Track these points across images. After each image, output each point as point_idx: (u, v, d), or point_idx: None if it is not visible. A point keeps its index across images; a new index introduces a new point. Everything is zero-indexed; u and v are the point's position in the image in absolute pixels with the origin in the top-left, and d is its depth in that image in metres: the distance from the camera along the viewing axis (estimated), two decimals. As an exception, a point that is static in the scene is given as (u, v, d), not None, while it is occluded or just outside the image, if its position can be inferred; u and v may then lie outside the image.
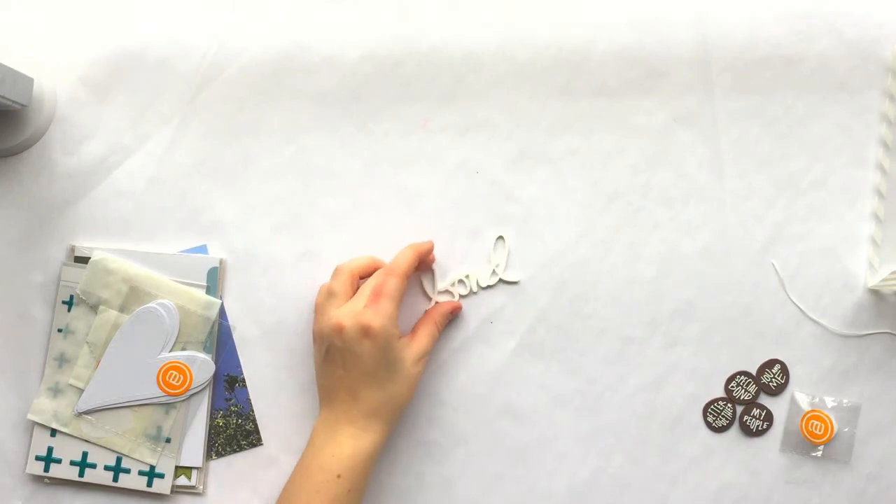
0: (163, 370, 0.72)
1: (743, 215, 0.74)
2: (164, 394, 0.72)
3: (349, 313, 0.66)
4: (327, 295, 0.69)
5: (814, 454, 0.73)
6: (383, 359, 0.66)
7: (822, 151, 0.73)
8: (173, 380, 0.72)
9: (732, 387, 0.73)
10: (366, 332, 0.65)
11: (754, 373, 0.73)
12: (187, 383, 0.72)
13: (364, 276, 0.71)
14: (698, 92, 0.74)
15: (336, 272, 0.70)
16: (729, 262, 0.74)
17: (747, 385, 0.73)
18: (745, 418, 0.73)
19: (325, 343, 0.68)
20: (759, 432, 0.73)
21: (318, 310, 0.70)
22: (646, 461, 0.73)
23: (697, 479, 0.73)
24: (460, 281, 0.74)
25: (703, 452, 0.73)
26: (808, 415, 0.72)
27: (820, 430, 0.72)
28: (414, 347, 0.69)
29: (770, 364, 0.73)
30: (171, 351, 0.73)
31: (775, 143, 0.74)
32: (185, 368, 0.72)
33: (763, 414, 0.73)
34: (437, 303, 0.73)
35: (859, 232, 0.73)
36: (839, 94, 0.73)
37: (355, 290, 0.70)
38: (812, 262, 0.73)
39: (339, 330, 0.66)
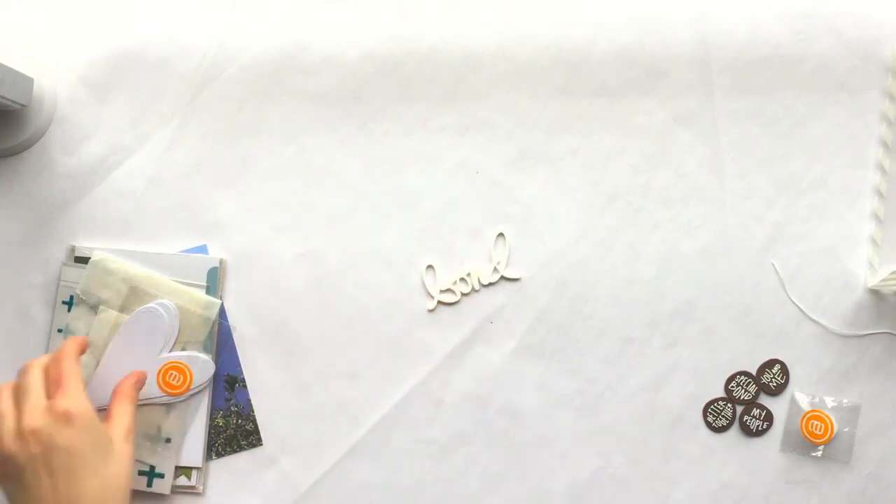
0: (163, 370, 0.72)
1: (743, 215, 0.74)
2: (163, 394, 0.72)
3: (33, 413, 0.60)
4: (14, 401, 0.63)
5: (814, 454, 0.73)
6: (93, 442, 0.61)
7: (822, 151, 0.73)
8: (173, 380, 0.72)
9: (732, 387, 0.73)
10: (67, 419, 0.60)
11: (754, 373, 0.73)
12: (187, 383, 0.72)
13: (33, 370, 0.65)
14: (698, 92, 0.74)
15: (24, 369, 0.65)
16: (729, 262, 0.74)
17: (747, 385, 0.73)
18: (745, 418, 0.73)
19: (7, 466, 0.60)
20: (759, 432, 0.73)
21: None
22: (646, 461, 0.73)
23: (697, 479, 0.73)
24: (462, 279, 0.74)
25: (703, 452, 0.73)
26: (809, 415, 0.72)
27: (820, 430, 0.72)
28: (116, 426, 0.65)
29: (770, 364, 0.73)
30: (171, 351, 0.73)
31: (775, 143, 0.74)
32: (184, 368, 0.72)
33: (763, 414, 0.73)
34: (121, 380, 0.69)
35: (859, 232, 0.73)
36: (839, 94, 0.73)
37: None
38: (812, 262, 0.73)
39: (32, 433, 0.59)
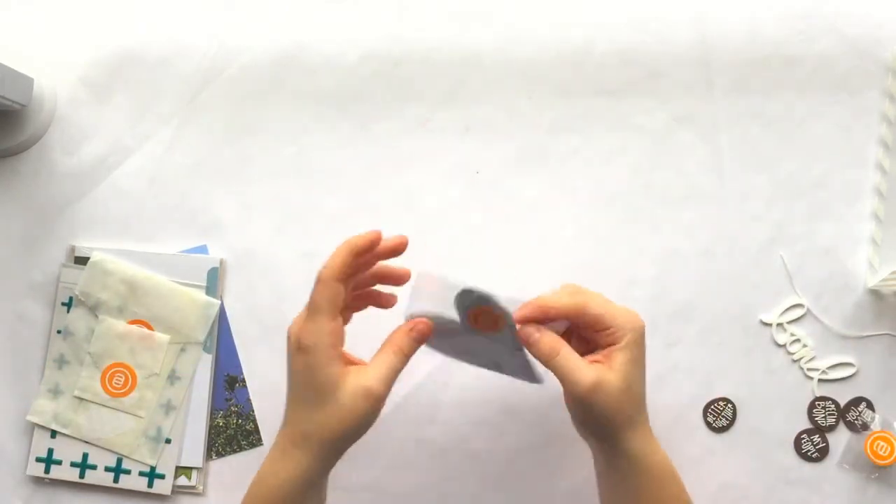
0: (108, 373, 0.72)
1: (743, 215, 0.74)
2: (109, 396, 0.73)
3: (296, 319, 0.60)
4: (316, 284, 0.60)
5: (874, 476, 0.73)
6: (313, 380, 0.58)
7: (822, 151, 0.73)
8: (116, 381, 0.73)
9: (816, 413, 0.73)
10: (297, 346, 0.58)
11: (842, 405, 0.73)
12: (129, 385, 0.73)
13: (372, 256, 0.61)
14: (698, 92, 0.74)
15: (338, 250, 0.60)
16: (729, 262, 0.74)
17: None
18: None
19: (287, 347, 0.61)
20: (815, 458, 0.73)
21: None
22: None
23: (697, 479, 0.73)
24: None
25: (702, 452, 0.73)
26: (875, 435, 0.72)
27: (885, 452, 0.71)
28: (362, 376, 0.58)
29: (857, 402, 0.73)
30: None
31: (775, 143, 0.74)
32: (128, 371, 0.73)
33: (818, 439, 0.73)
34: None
35: (859, 232, 0.73)
36: (839, 94, 0.73)
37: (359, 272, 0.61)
38: (812, 262, 0.73)
39: (287, 336, 0.60)
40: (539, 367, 0.62)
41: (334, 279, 0.58)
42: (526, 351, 0.61)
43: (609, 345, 0.61)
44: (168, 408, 0.73)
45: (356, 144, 0.75)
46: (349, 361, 0.60)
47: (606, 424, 0.60)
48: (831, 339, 0.73)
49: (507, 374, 0.66)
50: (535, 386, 0.67)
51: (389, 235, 0.60)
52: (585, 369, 0.59)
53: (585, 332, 0.62)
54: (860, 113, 0.73)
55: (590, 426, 0.62)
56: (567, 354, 0.60)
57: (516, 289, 0.73)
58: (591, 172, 0.74)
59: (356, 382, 0.57)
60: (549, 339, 0.60)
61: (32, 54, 0.74)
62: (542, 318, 0.60)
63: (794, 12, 0.73)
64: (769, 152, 0.74)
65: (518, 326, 0.60)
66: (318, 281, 0.58)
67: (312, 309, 0.58)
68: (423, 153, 0.74)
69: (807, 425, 0.73)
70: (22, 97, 0.70)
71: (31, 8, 0.75)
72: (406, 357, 0.60)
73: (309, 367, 0.57)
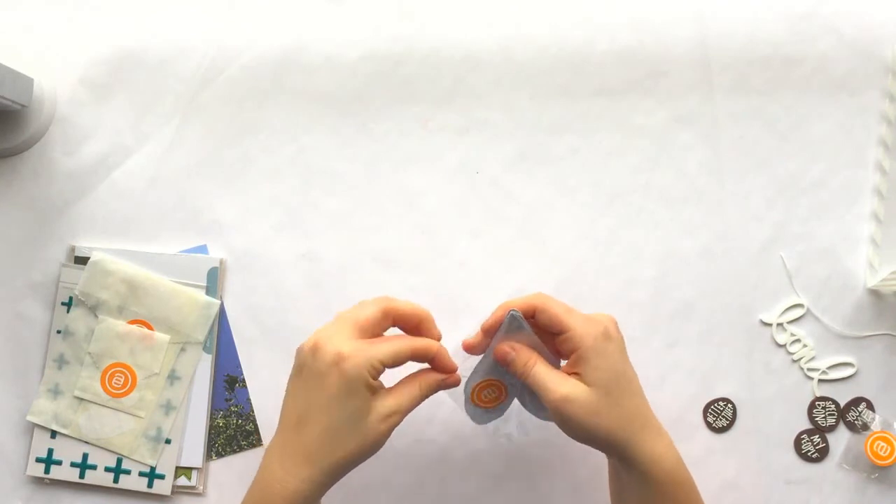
0: (108, 372, 0.72)
1: (743, 215, 0.74)
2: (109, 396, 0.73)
3: (333, 337, 0.59)
4: (338, 316, 0.62)
5: (874, 476, 0.73)
6: (345, 398, 0.57)
7: (822, 151, 0.74)
8: (116, 381, 0.73)
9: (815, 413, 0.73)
10: (339, 359, 0.57)
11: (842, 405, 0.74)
12: (129, 385, 0.73)
13: (404, 325, 0.63)
14: (698, 92, 0.74)
15: (377, 301, 0.62)
16: (729, 262, 0.74)
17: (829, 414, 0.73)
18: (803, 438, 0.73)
19: (299, 361, 0.61)
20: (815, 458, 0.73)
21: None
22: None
23: (697, 479, 0.73)
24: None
25: (702, 452, 0.73)
26: (875, 436, 0.72)
27: (885, 452, 0.71)
28: (387, 401, 0.59)
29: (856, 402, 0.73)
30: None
31: (775, 144, 0.74)
32: (128, 371, 0.73)
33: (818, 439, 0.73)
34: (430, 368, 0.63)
35: (859, 232, 0.73)
36: (839, 94, 0.73)
37: (380, 333, 0.62)
38: (812, 262, 0.73)
39: (316, 350, 0.59)
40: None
41: (385, 310, 0.60)
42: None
43: (571, 352, 0.61)
44: (168, 408, 0.73)
45: (356, 144, 0.75)
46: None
47: (593, 436, 0.61)
48: (831, 339, 0.73)
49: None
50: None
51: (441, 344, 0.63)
52: (557, 382, 0.60)
53: (550, 341, 0.63)
54: (860, 113, 0.73)
55: (581, 439, 0.62)
56: (541, 368, 0.62)
57: (516, 288, 0.74)
58: (591, 172, 0.74)
59: (383, 410, 0.59)
60: (524, 355, 0.62)
61: (32, 54, 0.74)
62: (502, 313, 0.62)
63: (794, 12, 0.73)
64: (769, 152, 0.74)
65: (494, 348, 0.63)
66: (405, 337, 0.61)
67: (358, 327, 0.59)
68: (423, 153, 0.74)
69: (807, 425, 0.73)
70: (22, 97, 0.70)
71: (31, 8, 0.75)
72: (427, 397, 0.62)
73: (345, 383, 0.57)
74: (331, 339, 0.59)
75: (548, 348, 0.63)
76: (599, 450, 0.63)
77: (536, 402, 0.65)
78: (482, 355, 0.64)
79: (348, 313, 0.61)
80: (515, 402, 0.67)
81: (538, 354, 0.63)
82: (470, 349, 0.65)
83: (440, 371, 0.62)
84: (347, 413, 0.58)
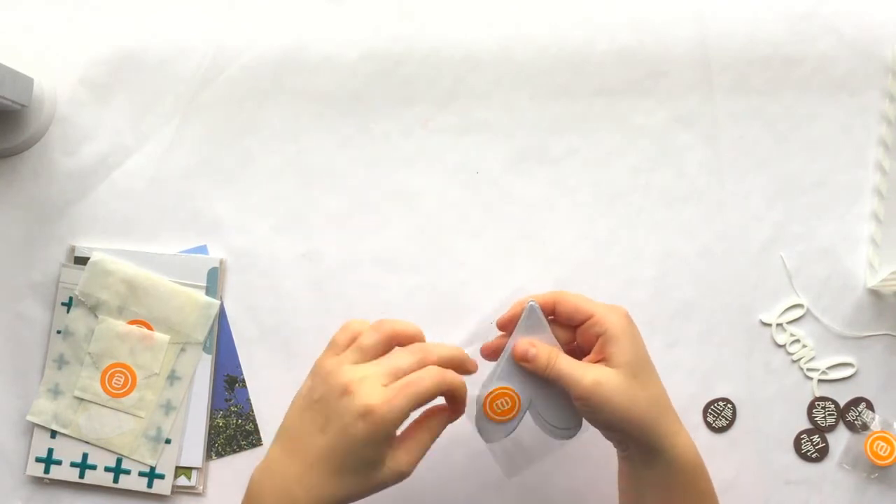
0: (108, 372, 0.72)
1: (743, 215, 0.74)
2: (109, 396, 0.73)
3: (364, 383, 0.57)
4: (353, 345, 0.60)
5: (874, 476, 0.73)
6: (362, 448, 0.56)
7: (822, 151, 0.74)
8: (116, 381, 0.73)
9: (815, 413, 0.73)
10: (367, 412, 0.56)
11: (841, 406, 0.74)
12: (129, 385, 0.73)
13: (401, 343, 0.62)
14: (698, 92, 0.74)
15: (377, 325, 0.61)
16: (729, 262, 0.74)
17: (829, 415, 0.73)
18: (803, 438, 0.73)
19: (321, 391, 0.59)
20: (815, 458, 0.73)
21: (333, 348, 0.61)
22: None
23: (698, 479, 0.73)
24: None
25: (703, 452, 0.73)
26: (875, 435, 0.72)
27: (885, 452, 0.71)
28: (400, 457, 0.58)
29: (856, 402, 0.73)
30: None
31: (775, 144, 0.74)
32: (128, 371, 0.73)
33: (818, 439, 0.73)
34: (433, 407, 0.62)
35: (859, 232, 0.73)
36: (839, 94, 0.73)
37: (384, 353, 0.61)
38: (812, 262, 0.73)
39: (345, 392, 0.57)
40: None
41: (443, 384, 0.59)
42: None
43: (596, 336, 0.61)
44: (168, 408, 0.73)
45: (356, 144, 0.75)
46: None
47: (626, 419, 0.60)
48: (831, 339, 0.73)
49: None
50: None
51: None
52: (585, 369, 0.60)
53: (570, 334, 0.63)
54: (860, 113, 0.73)
55: (611, 426, 0.61)
56: (564, 359, 0.61)
57: (515, 288, 0.74)
58: (591, 172, 0.74)
59: (394, 465, 0.58)
60: (545, 350, 0.61)
61: (32, 54, 0.74)
62: (520, 308, 0.62)
63: (794, 12, 0.73)
64: (769, 152, 0.74)
65: (512, 348, 0.62)
66: (434, 377, 0.58)
67: (407, 393, 0.56)
68: (423, 153, 0.74)
69: (807, 425, 0.73)
70: (22, 97, 0.70)
71: (31, 8, 0.75)
72: (434, 438, 0.61)
73: (368, 437, 0.56)
74: (362, 387, 0.56)
75: (564, 349, 0.63)
76: (625, 438, 0.62)
77: (551, 412, 0.64)
78: (496, 362, 0.64)
79: (386, 328, 0.60)
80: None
81: (558, 347, 0.62)
82: (489, 353, 0.64)
83: (457, 404, 0.62)
84: (361, 461, 0.57)
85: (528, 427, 0.65)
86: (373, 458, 0.57)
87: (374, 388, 0.56)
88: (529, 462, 0.67)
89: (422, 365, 0.59)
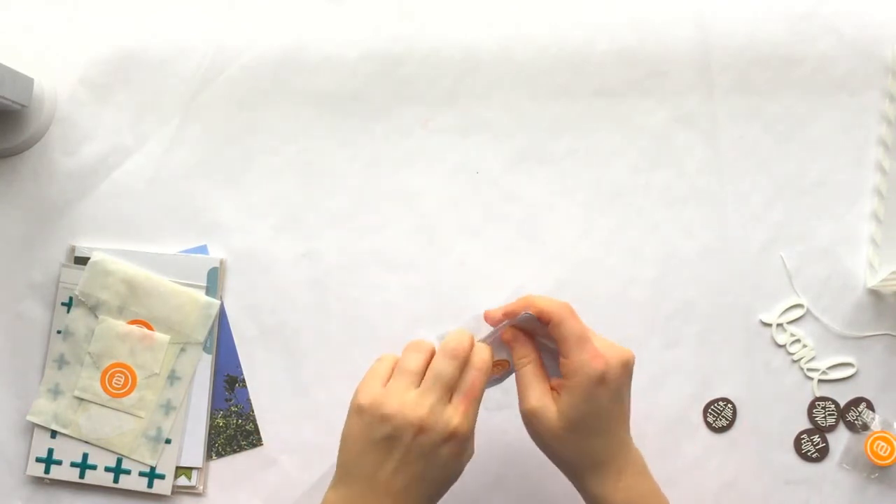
0: (108, 372, 0.72)
1: (743, 215, 0.74)
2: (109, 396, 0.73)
3: (434, 412, 0.57)
4: (397, 371, 0.59)
5: (874, 476, 0.73)
6: (453, 463, 0.58)
7: (822, 151, 0.74)
8: (116, 381, 0.73)
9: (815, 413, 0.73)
10: (451, 437, 0.57)
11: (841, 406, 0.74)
12: (129, 385, 0.73)
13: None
14: (698, 92, 0.74)
15: (414, 346, 0.60)
16: (729, 262, 0.74)
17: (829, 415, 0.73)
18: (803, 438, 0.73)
19: (384, 431, 0.57)
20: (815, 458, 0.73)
21: (374, 376, 0.60)
22: (646, 461, 0.73)
23: (697, 479, 0.73)
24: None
25: (702, 452, 0.73)
26: (875, 435, 0.72)
27: (885, 452, 0.71)
28: (472, 443, 0.60)
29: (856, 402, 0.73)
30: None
31: (775, 143, 0.74)
32: (128, 371, 0.73)
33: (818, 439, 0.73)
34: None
35: (859, 232, 0.73)
36: (839, 94, 0.73)
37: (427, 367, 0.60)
38: (812, 262, 0.73)
39: (420, 431, 0.56)
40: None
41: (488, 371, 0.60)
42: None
43: (563, 376, 0.60)
44: (168, 408, 0.73)
45: (356, 144, 0.75)
46: None
47: (548, 454, 0.62)
48: (831, 339, 0.73)
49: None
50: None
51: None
52: (535, 393, 0.61)
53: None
54: (860, 113, 0.73)
55: (540, 449, 0.63)
56: (529, 370, 0.62)
57: (515, 288, 0.74)
58: (591, 172, 0.74)
59: (471, 450, 0.60)
60: (521, 351, 0.63)
61: (32, 54, 0.74)
62: (522, 308, 0.62)
63: (794, 12, 0.73)
64: (769, 152, 0.74)
65: (502, 331, 0.63)
66: (481, 371, 0.59)
67: (471, 401, 0.58)
68: (423, 153, 0.74)
69: (807, 425, 0.73)
70: (22, 97, 0.70)
71: (31, 8, 0.75)
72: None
73: (456, 453, 0.58)
74: (434, 418, 0.57)
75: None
76: (562, 470, 0.64)
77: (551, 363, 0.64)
78: (493, 329, 0.64)
79: (425, 347, 0.60)
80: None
81: (536, 355, 0.62)
82: (488, 320, 0.65)
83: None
84: (454, 474, 0.59)
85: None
86: (461, 468, 0.59)
87: (443, 411, 0.57)
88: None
89: (463, 365, 0.59)
